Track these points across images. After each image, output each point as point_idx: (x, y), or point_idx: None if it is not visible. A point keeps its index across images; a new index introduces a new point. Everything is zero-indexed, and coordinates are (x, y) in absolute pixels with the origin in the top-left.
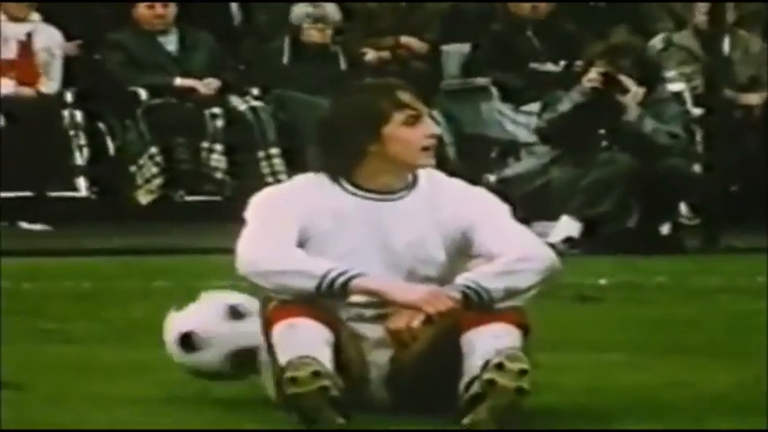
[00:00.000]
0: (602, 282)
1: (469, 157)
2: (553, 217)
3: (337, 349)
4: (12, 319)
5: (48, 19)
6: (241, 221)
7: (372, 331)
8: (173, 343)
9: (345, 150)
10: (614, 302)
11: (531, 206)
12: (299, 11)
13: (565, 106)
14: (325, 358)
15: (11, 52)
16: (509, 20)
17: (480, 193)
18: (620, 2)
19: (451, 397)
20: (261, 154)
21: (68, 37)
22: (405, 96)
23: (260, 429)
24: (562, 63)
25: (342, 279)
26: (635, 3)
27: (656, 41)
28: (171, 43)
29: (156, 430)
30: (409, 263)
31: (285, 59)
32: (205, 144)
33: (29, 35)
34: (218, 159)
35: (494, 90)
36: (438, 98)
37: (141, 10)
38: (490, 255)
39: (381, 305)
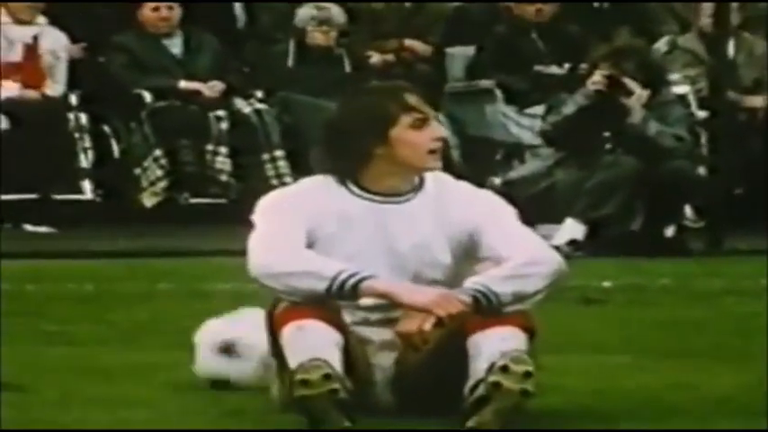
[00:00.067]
0: (607, 284)
1: (474, 160)
2: (557, 219)
3: (345, 352)
4: (15, 321)
5: (52, 21)
6: (246, 224)
7: (377, 335)
8: (211, 348)
9: (352, 153)
10: (619, 305)
11: (535, 209)
12: (303, 13)
13: (569, 109)
14: (335, 361)
15: (16, 55)
16: (513, 22)
17: (487, 195)
18: (625, 2)
19: (456, 399)
20: (265, 156)
21: (73, 39)
22: (412, 99)
23: (263, 430)
24: (566, 66)
25: (352, 281)
26: (639, 5)
27: (661, 44)
28: (175, 46)
29: (159, 431)
30: (415, 266)
31: (290, 62)
32: (210, 147)
33: (35, 38)
34: (222, 162)
35: (498, 92)
36: (442, 101)
37: (146, 12)
38: (497, 258)
39: (387, 309)
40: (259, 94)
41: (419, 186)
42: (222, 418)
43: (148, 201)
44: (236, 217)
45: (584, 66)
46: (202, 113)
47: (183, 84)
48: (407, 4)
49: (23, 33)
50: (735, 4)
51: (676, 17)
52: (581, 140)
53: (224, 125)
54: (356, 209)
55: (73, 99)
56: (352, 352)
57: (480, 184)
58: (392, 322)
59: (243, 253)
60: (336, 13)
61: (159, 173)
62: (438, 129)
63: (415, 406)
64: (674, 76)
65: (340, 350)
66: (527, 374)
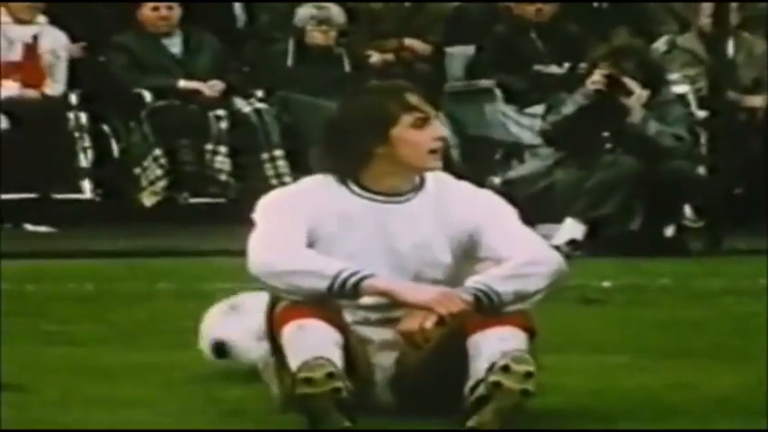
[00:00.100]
0: (606, 284)
1: (473, 159)
2: (557, 219)
3: (345, 351)
4: (15, 321)
5: (52, 21)
6: (246, 224)
7: (378, 334)
8: (217, 313)
9: (353, 152)
10: (618, 305)
11: (534, 208)
12: (303, 13)
13: (569, 108)
14: (337, 360)
15: (16, 54)
16: (513, 22)
17: (487, 195)
18: (625, 2)
19: (456, 399)
20: (265, 156)
21: (73, 39)
22: (413, 99)
23: (263, 430)
24: (566, 65)
25: (354, 279)
26: (639, 5)
27: (660, 44)
28: (175, 45)
29: (159, 430)
30: (415, 265)
31: (289, 62)
32: (209, 146)
33: (35, 37)
34: (222, 161)
35: (498, 92)
36: (442, 100)
37: (145, 12)
38: (498, 258)
39: (387, 308)
40: (259, 93)
41: (420, 186)
42: (222, 417)
43: (148, 200)
44: (236, 216)
45: (583, 65)
46: (202, 113)
47: (182, 83)
48: (407, 4)
49: (23, 33)
50: (734, 4)
51: (676, 17)
52: (580, 140)
53: (223, 125)
54: (357, 208)
55: (73, 98)
56: (353, 351)
57: (480, 183)
58: (392, 322)
59: (243, 253)
60: (336, 12)
61: (159, 172)
62: (439, 128)
63: (416, 406)
64: (673, 76)
65: (340, 349)
66: (528, 374)
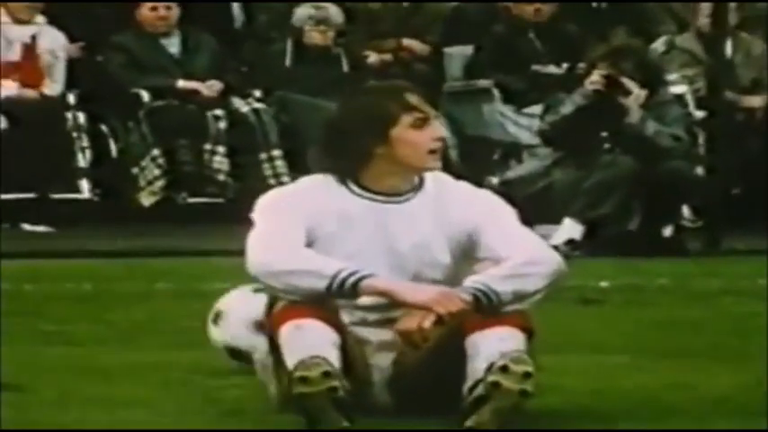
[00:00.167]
0: (604, 284)
1: (471, 159)
2: (555, 219)
3: (342, 352)
4: (13, 321)
5: (51, 21)
6: (244, 223)
7: (375, 335)
8: (245, 324)
9: (352, 152)
10: (616, 305)
11: (533, 208)
12: (301, 13)
13: (567, 108)
14: (334, 359)
15: (15, 54)
16: (511, 22)
17: (486, 195)
18: (623, 2)
19: (454, 399)
20: (263, 156)
21: (71, 39)
22: (413, 99)
23: (261, 430)
24: (564, 65)
25: (352, 279)
26: (637, 5)
27: (659, 44)
28: (173, 45)
29: (158, 430)
30: (415, 265)
31: (287, 62)
32: (207, 146)
33: (33, 37)
34: (220, 161)
35: (496, 92)
36: (440, 100)
37: (144, 12)
38: (497, 258)
39: (385, 309)
40: (257, 93)
41: (419, 186)
42: (221, 417)
43: (146, 200)
44: (234, 216)
45: (582, 65)
46: (200, 113)
47: (180, 83)
48: (405, 4)
49: (22, 33)
50: (733, 4)
51: (674, 17)
52: (579, 140)
53: (222, 124)
54: (356, 208)
55: (71, 98)
56: (350, 352)
57: (478, 183)
58: (390, 323)
59: (241, 252)
60: (334, 12)
61: (157, 172)
62: (438, 129)
63: (413, 406)
64: (671, 76)
65: (338, 350)
66: (526, 375)
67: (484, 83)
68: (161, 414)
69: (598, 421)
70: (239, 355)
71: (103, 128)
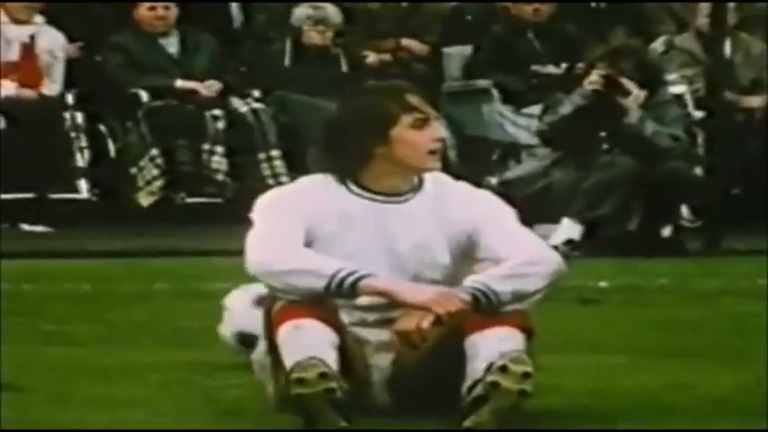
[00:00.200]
0: (604, 284)
1: (470, 160)
2: (554, 219)
3: (341, 352)
4: (12, 321)
5: (49, 21)
6: (242, 223)
7: (374, 335)
8: (245, 304)
9: (352, 152)
10: (616, 305)
11: (532, 208)
12: (299, 13)
13: (566, 109)
14: (332, 360)
15: (14, 54)
16: (510, 22)
17: (486, 196)
18: (622, 2)
19: (453, 400)
20: (262, 156)
21: (70, 39)
22: (413, 99)
23: (260, 430)
24: (563, 65)
25: (351, 279)
26: (637, 5)
27: (658, 44)
28: (172, 45)
29: (157, 430)
30: (414, 266)
31: (286, 61)
32: (206, 146)
33: (32, 37)
34: (219, 161)
35: (495, 92)
36: (439, 100)
37: (142, 12)
38: (496, 258)
39: (384, 309)
40: (256, 93)
41: (418, 186)
42: (220, 417)
43: (145, 200)
44: (233, 216)
45: (581, 65)
46: (199, 113)
47: (179, 83)
48: (404, 4)
49: (21, 33)
50: (732, 4)
51: (673, 17)
52: (578, 140)
53: (220, 124)
54: (356, 208)
55: (69, 98)
56: (349, 352)
57: (477, 183)
58: (389, 323)
59: (240, 252)
60: (333, 12)
61: (155, 172)
62: (438, 129)
63: (412, 406)
64: (671, 76)
65: (336, 350)
66: (526, 375)
67: (483, 83)
68: (161, 414)
69: (598, 421)
70: (249, 341)
71: (102, 128)
